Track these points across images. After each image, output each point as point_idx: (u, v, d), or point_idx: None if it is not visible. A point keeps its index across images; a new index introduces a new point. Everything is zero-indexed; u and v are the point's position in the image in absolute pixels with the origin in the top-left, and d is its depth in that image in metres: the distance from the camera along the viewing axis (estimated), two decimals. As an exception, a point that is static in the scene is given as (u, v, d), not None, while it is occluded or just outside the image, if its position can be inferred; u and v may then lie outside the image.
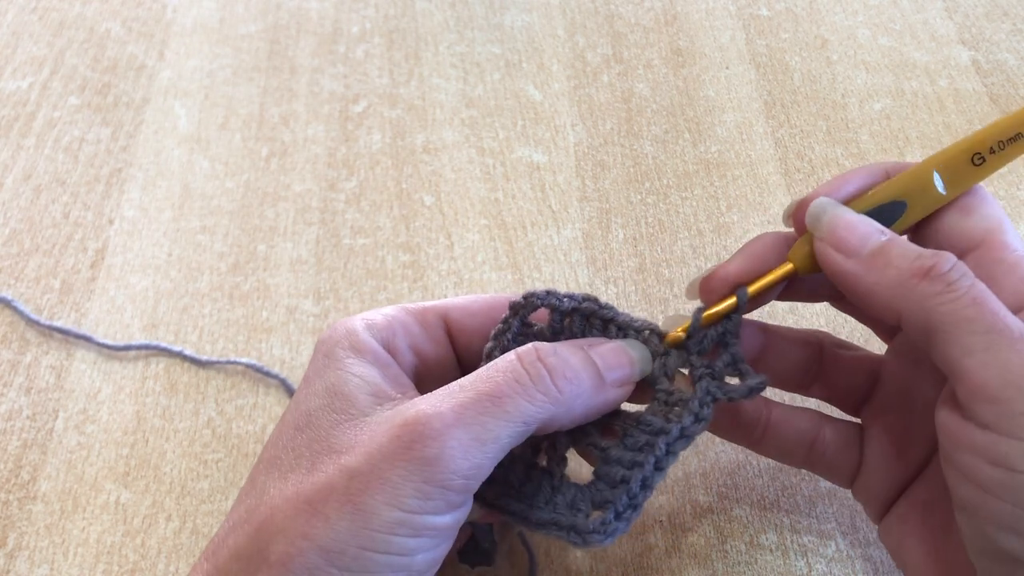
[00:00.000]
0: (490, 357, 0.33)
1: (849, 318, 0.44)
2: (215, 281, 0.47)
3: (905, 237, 0.34)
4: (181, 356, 0.44)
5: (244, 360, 0.44)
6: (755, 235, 0.34)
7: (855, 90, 0.55)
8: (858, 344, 0.37)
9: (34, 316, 0.46)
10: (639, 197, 0.50)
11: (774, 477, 0.40)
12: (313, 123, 0.54)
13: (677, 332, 0.34)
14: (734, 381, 0.33)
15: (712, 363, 0.33)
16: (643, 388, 0.33)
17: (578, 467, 0.34)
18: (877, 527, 0.35)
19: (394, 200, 0.51)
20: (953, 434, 0.28)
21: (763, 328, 0.36)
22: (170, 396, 0.43)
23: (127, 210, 0.50)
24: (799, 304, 0.45)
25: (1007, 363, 0.26)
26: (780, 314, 0.45)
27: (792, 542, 0.38)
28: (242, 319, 0.46)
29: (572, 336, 0.34)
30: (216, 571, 0.28)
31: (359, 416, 0.29)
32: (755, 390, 0.32)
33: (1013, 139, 0.31)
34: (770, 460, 0.40)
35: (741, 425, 0.35)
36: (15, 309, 0.46)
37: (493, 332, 0.34)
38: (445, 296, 0.46)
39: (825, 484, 0.40)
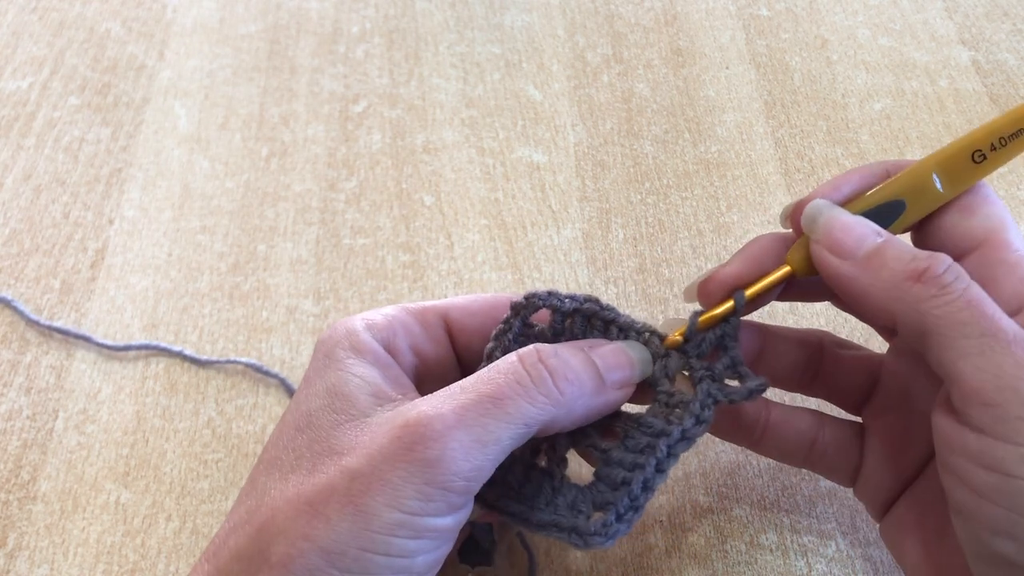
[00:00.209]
0: (491, 358, 0.33)
1: (849, 317, 0.44)
2: (215, 281, 0.47)
3: (908, 235, 0.34)
4: (181, 356, 0.44)
5: (244, 360, 0.44)
6: (755, 235, 0.34)
7: (855, 90, 0.55)
8: (859, 343, 0.37)
9: (34, 316, 0.46)
10: (639, 197, 0.50)
11: (774, 477, 0.40)
12: (313, 123, 0.54)
13: (674, 336, 0.34)
14: (734, 383, 0.33)
15: (712, 365, 0.33)
16: (643, 389, 0.33)
17: (577, 467, 0.34)
18: (878, 526, 0.35)
19: (394, 200, 0.51)
20: (948, 438, 0.28)
21: (762, 329, 0.36)
22: (170, 396, 0.43)
23: (127, 210, 0.50)
24: (799, 304, 0.45)
25: (1001, 367, 0.26)
26: (780, 314, 0.45)
27: (792, 542, 0.38)
28: (242, 319, 0.46)
29: (573, 337, 0.34)
30: (217, 572, 0.28)
31: (360, 417, 0.29)
32: (755, 392, 0.32)
33: (1015, 135, 0.31)
34: (770, 460, 0.40)
35: (740, 426, 0.35)
36: (15, 309, 0.46)
37: (494, 332, 0.34)
38: (445, 296, 0.46)
39: (825, 484, 0.40)
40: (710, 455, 0.41)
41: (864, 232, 0.30)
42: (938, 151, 0.32)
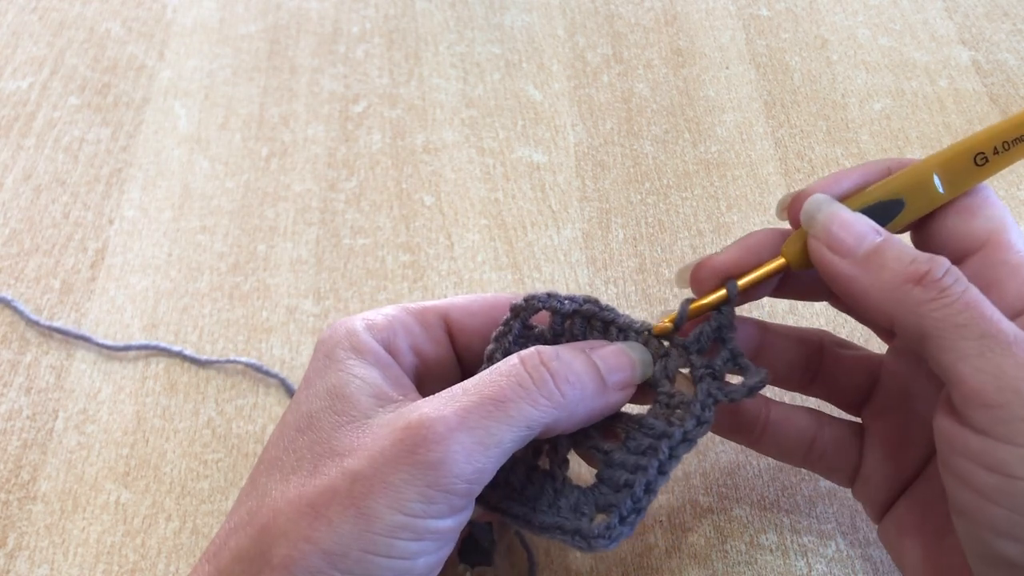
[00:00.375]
0: (491, 359, 0.33)
1: (849, 318, 0.44)
2: (215, 281, 0.47)
3: (907, 235, 0.34)
4: (181, 356, 0.44)
5: (244, 359, 0.44)
6: (755, 234, 0.34)
7: (855, 90, 0.55)
8: (858, 344, 0.37)
9: (34, 316, 0.46)
10: (639, 197, 0.50)
11: (774, 477, 0.40)
12: (313, 123, 0.54)
13: (664, 322, 0.33)
14: (736, 379, 0.33)
15: (712, 362, 0.33)
16: (643, 390, 0.33)
17: (577, 467, 0.34)
18: (877, 527, 0.35)
19: (394, 200, 0.51)
20: (950, 439, 0.28)
21: (761, 326, 0.36)
22: (170, 396, 0.43)
23: (127, 210, 0.50)
24: (799, 304, 0.46)
25: (1002, 368, 0.26)
26: (780, 313, 0.45)
27: (792, 542, 0.38)
28: (242, 319, 0.46)
29: (573, 338, 0.34)
30: (218, 573, 0.28)
31: (361, 418, 0.29)
32: (755, 389, 0.32)
33: (1018, 140, 0.31)
34: (770, 460, 0.40)
35: (740, 424, 0.35)
36: (15, 309, 0.46)
37: (494, 334, 0.34)
38: (445, 296, 0.46)
39: (825, 484, 0.40)
40: (710, 455, 0.41)
41: (864, 230, 0.30)
42: (940, 152, 0.32)
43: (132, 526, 0.40)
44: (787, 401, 0.37)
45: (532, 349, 0.30)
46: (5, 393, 0.43)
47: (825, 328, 0.42)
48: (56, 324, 0.45)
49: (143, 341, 0.45)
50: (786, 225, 0.34)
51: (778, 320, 0.45)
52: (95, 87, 0.56)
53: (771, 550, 0.38)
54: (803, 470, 0.40)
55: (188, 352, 0.44)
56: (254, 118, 0.54)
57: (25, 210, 0.50)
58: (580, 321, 0.34)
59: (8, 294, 0.47)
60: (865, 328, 0.44)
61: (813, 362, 0.36)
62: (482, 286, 0.47)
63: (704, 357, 0.33)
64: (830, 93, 0.55)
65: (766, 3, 0.60)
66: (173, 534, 0.39)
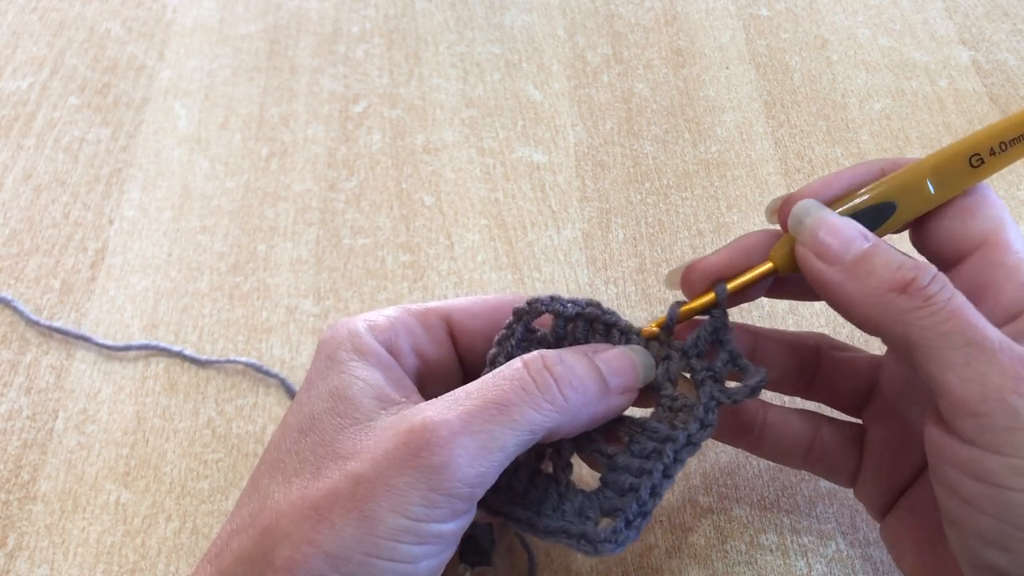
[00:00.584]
0: (494, 363, 0.33)
1: (849, 319, 0.44)
2: (215, 281, 0.47)
3: (905, 234, 0.34)
4: (181, 356, 0.44)
5: (244, 359, 0.44)
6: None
7: (855, 90, 0.55)
8: (859, 345, 0.37)
9: (34, 316, 0.46)
10: (639, 197, 0.50)
11: (774, 477, 0.40)
12: (313, 123, 0.54)
13: (651, 327, 0.33)
14: (734, 383, 0.33)
15: (712, 364, 0.33)
16: (646, 393, 0.33)
17: (578, 470, 0.34)
18: (879, 526, 0.35)
19: (394, 200, 0.51)
20: (938, 448, 0.28)
21: (753, 332, 0.36)
22: (170, 396, 0.43)
23: (127, 210, 0.50)
24: (799, 304, 0.46)
25: (987, 376, 0.26)
26: (780, 313, 0.45)
27: (792, 542, 0.38)
28: (242, 319, 0.46)
29: (575, 341, 0.34)
30: (220, 574, 0.28)
31: (364, 420, 0.29)
32: (756, 389, 0.32)
33: (1015, 140, 0.30)
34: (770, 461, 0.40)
35: (737, 427, 0.35)
36: (15, 309, 0.46)
37: (497, 338, 0.34)
38: (445, 296, 0.46)
39: (825, 484, 0.40)
40: (710, 455, 0.41)
41: (851, 235, 0.30)
42: (934, 153, 0.31)
43: (132, 526, 0.40)
44: (787, 404, 0.37)
45: (535, 353, 0.30)
46: (5, 393, 0.43)
47: (825, 328, 0.42)
48: (56, 324, 0.45)
49: (143, 341, 0.45)
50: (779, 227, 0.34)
51: (778, 320, 0.45)
52: (95, 87, 0.56)
53: (771, 550, 0.38)
54: (803, 470, 0.40)
55: (188, 352, 0.44)
56: (254, 118, 0.54)
57: (25, 210, 0.50)
58: (583, 324, 0.34)
59: (8, 294, 0.47)
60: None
61: (809, 365, 0.36)
62: (482, 286, 0.47)
63: (703, 360, 0.33)
64: (830, 93, 0.55)
65: (766, 3, 0.60)
66: (173, 534, 0.39)
